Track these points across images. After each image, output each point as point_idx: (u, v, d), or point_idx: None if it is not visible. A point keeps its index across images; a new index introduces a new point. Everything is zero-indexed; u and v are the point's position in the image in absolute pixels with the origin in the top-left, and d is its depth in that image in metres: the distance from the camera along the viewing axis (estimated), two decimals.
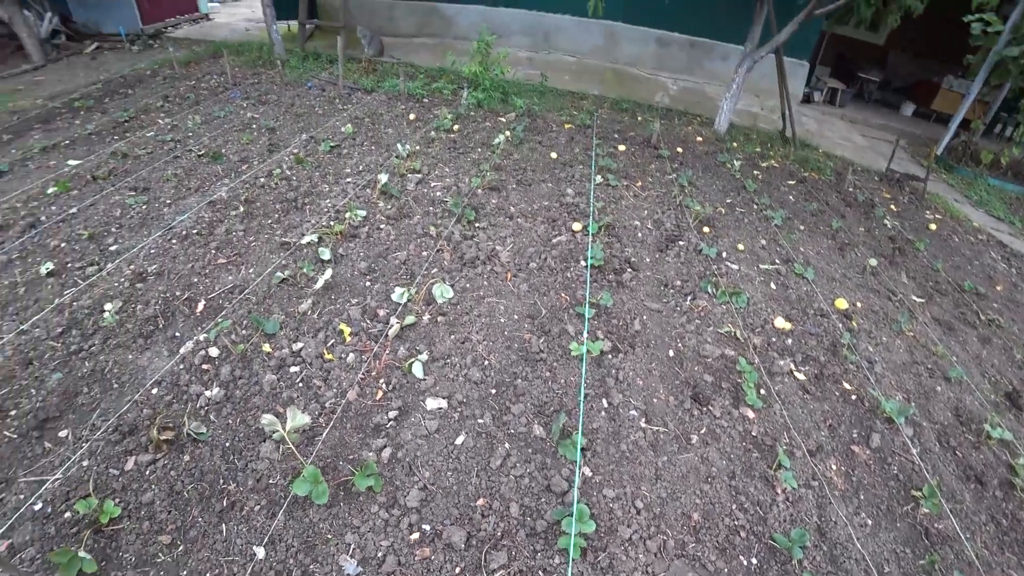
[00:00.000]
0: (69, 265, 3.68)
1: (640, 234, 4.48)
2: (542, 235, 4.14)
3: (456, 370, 2.89)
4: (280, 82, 6.89)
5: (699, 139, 6.73)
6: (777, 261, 4.36)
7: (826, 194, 5.82)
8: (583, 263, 3.88)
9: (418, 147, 4.99)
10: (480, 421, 2.68)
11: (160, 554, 2.16)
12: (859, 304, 4.01)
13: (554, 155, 5.50)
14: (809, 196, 5.68)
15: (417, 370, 2.80)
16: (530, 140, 5.70)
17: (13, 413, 2.73)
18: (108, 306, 3.25)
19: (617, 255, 4.09)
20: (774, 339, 3.49)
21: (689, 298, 3.76)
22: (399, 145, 4.83)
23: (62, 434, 2.63)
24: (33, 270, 3.64)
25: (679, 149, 6.33)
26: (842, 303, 3.85)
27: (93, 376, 2.88)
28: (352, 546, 2.17)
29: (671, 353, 3.28)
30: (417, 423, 2.61)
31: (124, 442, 2.53)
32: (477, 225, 4.03)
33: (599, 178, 5.13)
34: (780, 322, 3.59)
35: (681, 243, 4.38)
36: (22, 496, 2.40)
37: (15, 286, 3.55)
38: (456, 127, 5.63)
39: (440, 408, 2.68)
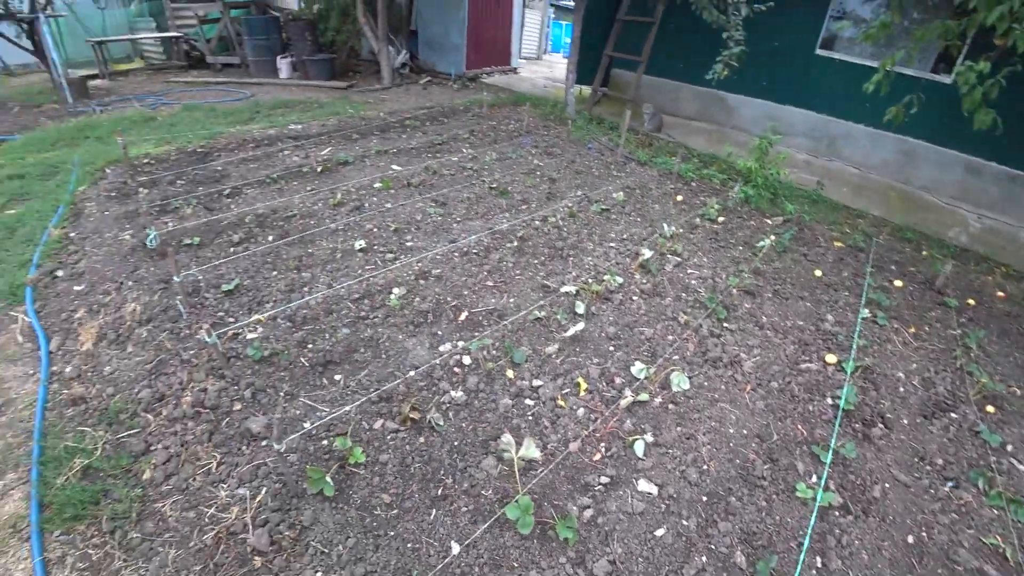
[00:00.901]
0: (375, 247, 4.57)
1: (903, 389, 3.92)
2: (790, 356, 3.89)
3: (675, 463, 2.86)
4: (566, 138, 7.67)
5: (1000, 294, 5.65)
6: None
7: None
8: (830, 401, 3.54)
9: (681, 230, 5.10)
10: (684, 523, 2.61)
11: (378, 508, 2.55)
12: None
13: (818, 273, 5.14)
14: None
15: (638, 448, 2.84)
16: (795, 250, 5.42)
17: (310, 347, 3.47)
18: (395, 291, 3.94)
19: (870, 404, 3.64)
20: None
21: (950, 484, 3.16)
22: (664, 224, 5.00)
23: (337, 377, 3.27)
24: (350, 243, 4.59)
25: (971, 301, 5.39)
26: None
27: (370, 342, 3.52)
28: None
29: (910, 540, 2.79)
30: (624, 498, 2.64)
31: (379, 405, 3.05)
32: (725, 325, 3.95)
33: (866, 311, 4.63)
34: None
35: (953, 415, 3.71)
36: (299, 412, 3.03)
37: (335, 251, 4.50)
38: (721, 219, 5.62)
39: (650, 494, 2.68)
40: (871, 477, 3.08)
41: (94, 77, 10.50)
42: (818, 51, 8.39)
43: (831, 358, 3.92)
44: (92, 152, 6.71)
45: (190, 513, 2.50)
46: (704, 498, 2.75)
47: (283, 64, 11.58)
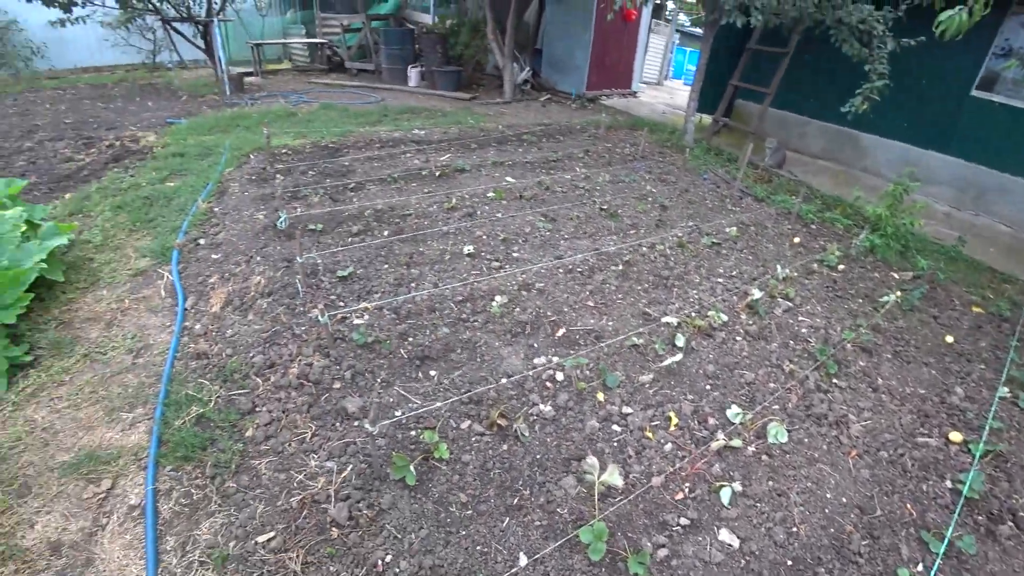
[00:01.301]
0: (483, 254, 4.74)
1: None
2: (906, 426, 3.55)
3: (762, 518, 2.72)
4: (681, 166, 7.53)
5: None
6: None
7: None
8: (949, 484, 3.19)
9: (795, 274, 4.83)
10: None
11: (454, 506, 2.64)
12: None
13: (950, 339, 4.65)
14: None
15: (725, 495, 2.73)
16: (924, 311, 4.94)
17: (410, 340, 3.66)
18: (497, 298, 4.07)
19: (1000, 497, 3.23)
20: None
21: None
22: (778, 266, 4.77)
23: (432, 373, 3.43)
24: (459, 247, 4.80)
25: None
26: None
27: (467, 344, 3.65)
28: None
29: None
30: (703, 544, 2.55)
31: (468, 406, 3.16)
32: (835, 381, 3.70)
33: (1005, 390, 4.12)
34: None
35: None
36: (392, 400, 3.21)
37: (444, 253, 4.73)
38: (841, 267, 5.26)
39: (731, 546, 2.57)
40: None
41: (249, 74, 11.88)
42: (974, 92, 7.62)
43: (956, 436, 3.53)
44: (241, 139, 7.59)
45: (281, 475, 2.74)
46: (789, 562, 2.59)
47: (413, 73, 12.36)
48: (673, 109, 12.38)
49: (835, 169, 8.82)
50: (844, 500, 2.95)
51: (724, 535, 2.59)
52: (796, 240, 5.71)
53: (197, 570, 2.35)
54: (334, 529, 2.49)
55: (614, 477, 2.45)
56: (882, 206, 6.17)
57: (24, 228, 3.97)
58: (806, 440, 3.22)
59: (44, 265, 3.76)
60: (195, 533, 2.48)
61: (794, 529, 2.72)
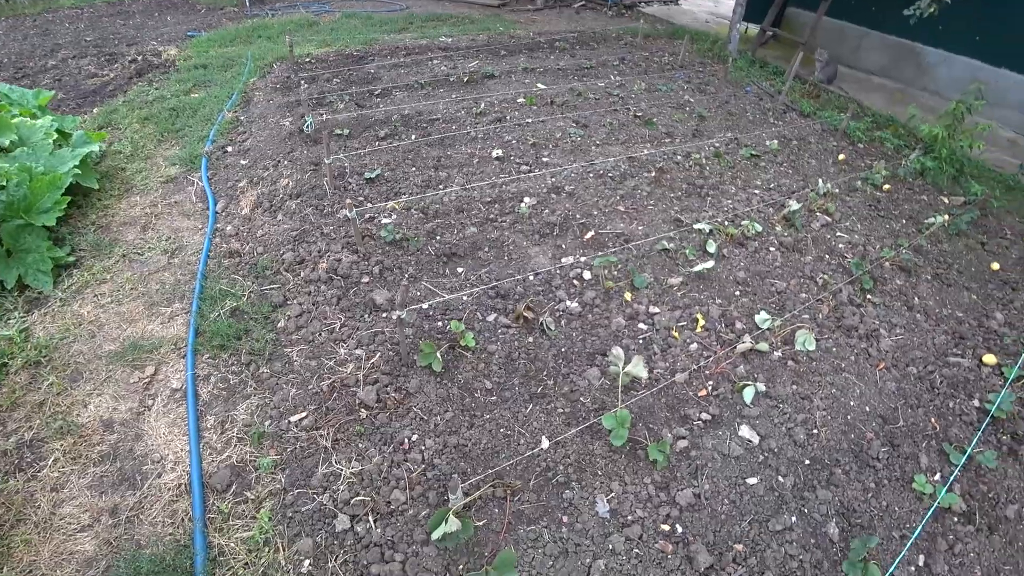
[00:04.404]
0: (512, 158, 4.60)
1: None
2: (939, 346, 3.46)
3: (783, 418, 2.72)
4: (723, 77, 7.07)
5: None
6: None
7: None
8: (976, 403, 3.14)
9: (837, 190, 4.60)
10: (780, 479, 2.51)
11: (478, 392, 2.70)
12: None
13: (996, 266, 4.44)
14: None
15: (748, 394, 2.73)
16: (971, 236, 4.71)
17: (437, 238, 3.65)
18: (526, 200, 3.97)
19: None
20: None
21: None
22: (819, 180, 4.53)
23: (459, 270, 3.44)
24: (488, 151, 4.66)
25: None
26: None
27: (495, 243, 3.63)
28: (612, 494, 2.31)
29: None
30: (722, 439, 2.58)
31: (495, 300, 3.18)
32: (869, 296, 3.59)
33: None
34: None
35: None
36: (419, 293, 3.25)
37: (472, 157, 4.60)
38: (887, 187, 4.99)
39: (750, 442, 2.59)
40: (1008, 495, 2.75)
41: None
42: None
43: (990, 359, 3.44)
44: (263, 49, 7.38)
45: (312, 362, 2.83)
46: (807, 461, 2.61)
47: None
48: (717, 18, 11.48)
49: (891, 87, 8.20)
50: (867, 409, 2.93)
51: (744, 431, 2.61)
52: (841, 157, 5.40)
53: (235, 445, 2.49)
54: (362, 410, 2.59)
55: (638, 368, 2.44)
56: (939, 126, 5.73)
57: (56, 137, 4.00)
58: (834, 350, 3.17)
59: (78, 171, 3.79)
60: (232, 413, 2.62)
61: (814, 431, 2.72)
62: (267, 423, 2.54)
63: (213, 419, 2.59)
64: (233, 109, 5.60)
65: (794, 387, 2.88)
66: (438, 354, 2.73)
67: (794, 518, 2.37)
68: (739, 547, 2.24)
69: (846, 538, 2.38)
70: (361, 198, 4.05)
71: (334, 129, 4.97)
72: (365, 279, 3.31)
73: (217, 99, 5.77)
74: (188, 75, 6.38)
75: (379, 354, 2.84)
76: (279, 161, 4.56)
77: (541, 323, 2.92)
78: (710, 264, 3.34)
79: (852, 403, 2.92)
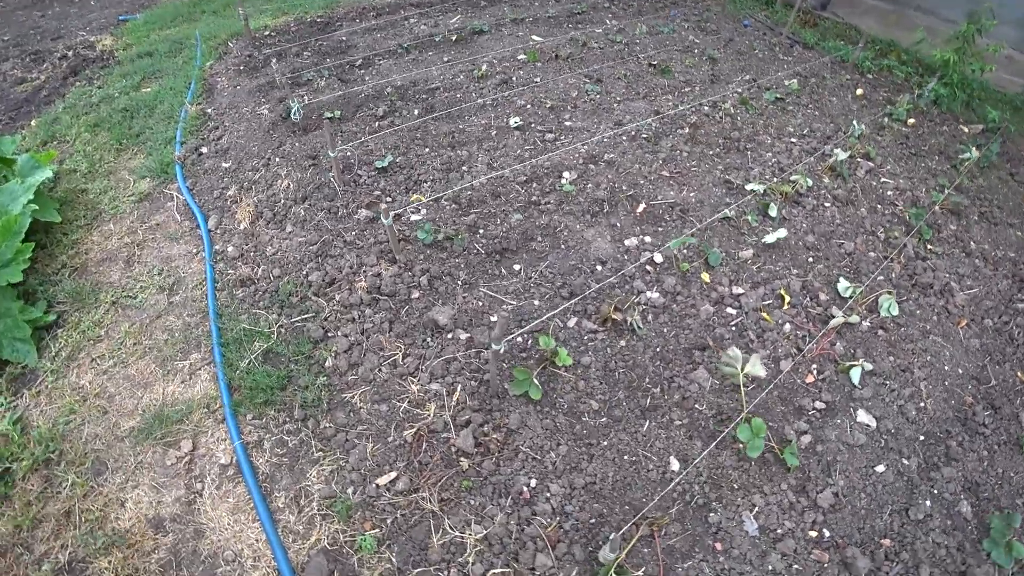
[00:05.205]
0: (532, 125, 4.17)
1: None
2: (1004, 291, 3.40)
3: (892, 396, 2.61)
4: (719, 12, 6.68)
5: None
6: None
7: None
8: None
9: (868, 131, 4.41)
10: (904, 462, 2.41)
11: (586, 414, 2.43)
12: None
13: None
14: None
15: (855, 375, 2.59)
16: (1001, 167, 4.64)
17: (481, 232, 3.23)
18: (565, 175, 3.62)
19: None
20: None
21: None
22: (855, 123, 4.33)
23: (516, 267, 3.06)
24: (503, 120, 4.21)
25: None
26: None
27: (546, 229, 3.26)
28: (757, 509, 2.16)
29: None
30: (843, 428, 2.45)
31: (569, 302, 2.82)
32: (930, 247, 3.46)
33: None
34: None
35: None
36: (481, 303, 2.87)
37: (488, 128, 4.16)
38: (911, 121, 4.83)
39: (869, 427, 2.47)
40: None
41: None
42: None
43: None
44: (212, 26, 6.46)
45: (382, 406, 2.42)
46: (922, 437, 2.53)
47: None
48: None
49: (883, 8, 7.93)
50: (960, 371, 2.85)
51: (862, 416, 2.48)
52: (859, 92, 5.19)
53: (320, 525, 2.08)
54: (463, 459, 2.23)
55: (757, 368, 2.24)
56: (949, 50, 5.55)
57: None
58: (917, 312, 3.05)
59: (35, 206, 3.13)
60: (304, 485, 2.20)
61: (922, 404, 2.62)
62: (351, 491, 2.17)
63: (283, 496, 2.19)
64: (195, 101, 4.87)
65: (892, 359, 2.76)
66: (534, 379, 2.40)
67: (928, 502, 2.29)
68: (886, 542, 2.14)
69: (978, 514, 2.32)
70: (378, 192, 3.55)
71: (322, 112, 4.37)
72: (415, 294, 2.87)
73: (174, 91, 4.99)
74: (133, 67, 5.53)
75: (460, 386, 2.45)
76: (268, 159, 3.94)
77: (629, 323, 2.66)
78: (783, 233, 3.13)
79: (946, 367, 2.84)
